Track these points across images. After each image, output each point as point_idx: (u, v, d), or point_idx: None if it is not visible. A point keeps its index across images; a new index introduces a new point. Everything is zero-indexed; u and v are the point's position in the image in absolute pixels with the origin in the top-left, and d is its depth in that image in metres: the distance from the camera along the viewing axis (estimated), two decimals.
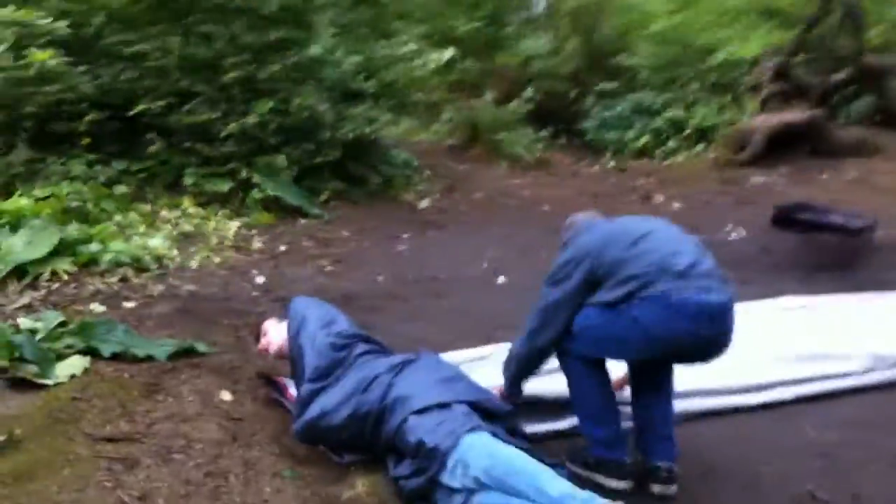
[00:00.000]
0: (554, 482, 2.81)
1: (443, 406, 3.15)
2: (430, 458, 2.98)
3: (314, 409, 3.40)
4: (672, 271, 3.06)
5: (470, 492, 2.90)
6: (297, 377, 3.65)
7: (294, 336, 3.72)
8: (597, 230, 3.40)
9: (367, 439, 3.29)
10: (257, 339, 4.02)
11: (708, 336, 3.11)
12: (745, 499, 3.18)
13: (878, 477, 3.35)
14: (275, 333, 3.90)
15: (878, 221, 6.86)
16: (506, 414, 3.33)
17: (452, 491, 2.95)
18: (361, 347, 3.67)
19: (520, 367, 3.43)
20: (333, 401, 3.37)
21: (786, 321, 4.83)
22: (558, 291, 3.27)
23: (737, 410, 3.90)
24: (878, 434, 3.70)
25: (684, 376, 3.92)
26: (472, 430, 3.02)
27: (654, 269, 3.07)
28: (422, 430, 3.07)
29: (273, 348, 3.88)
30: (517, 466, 2.88)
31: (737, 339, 4.40)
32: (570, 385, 3.36)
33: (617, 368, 3.44)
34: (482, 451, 2.94)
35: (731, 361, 4.08)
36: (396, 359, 3.55)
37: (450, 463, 2.94)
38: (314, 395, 3.47)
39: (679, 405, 3.71)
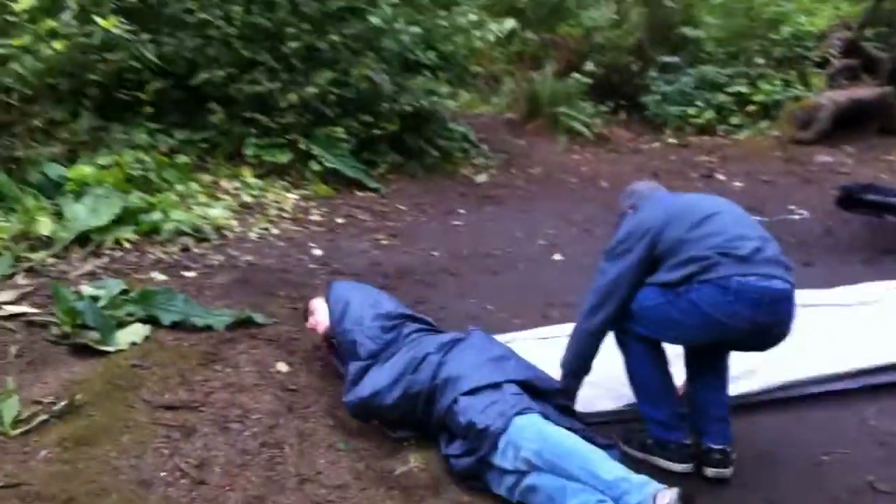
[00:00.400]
0: (607, 464, 2.80)
1: (493, 386, 3.15)
2: (481, 440, 2.99)
3: (366, 388, 3.41)
4: (735, 255, 3.00)
5: (521, 474, 2.90)
6: (344, 361, 3.67)
7: (338, 321, 3.73)
8: (660, 205, 3.34)
9: (419, 418, 3.31)
10: (306, 317, 4.03)
11: (766, 324, 3.04)
12: (802, 487, 3.14)
13: None
14: (323, 313, 3.92)
15: None
16: (556, 392, 3.31)
17: (504, 472, 2.95)
18: (410, 327, 3.68)
19: (577, 348, 3.39)
20: (385, 380, 3.38)
21: (852, 309, 4.71)
22: (617, 267, 3.23)
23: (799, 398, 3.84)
24: None
25: (746, 363, 3.91)
26: (523, 411, 3.02)
27: (716, 253, 3.01)
28: (472, 411, 3.07)
29: (321, 328, 3.89)
30: (568, 448, 2.87)
31: (809, 327, 4.38)
32: (627, 365, 3.33)
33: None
34: (533, 432, 2.93)
35: (796, 350, 4.06)
36: (445, 337, 3.55)
37: (501, 444, 2.95)
38: (364, 371, 3.48)
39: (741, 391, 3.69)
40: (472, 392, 3.14)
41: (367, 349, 3.55)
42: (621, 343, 3.32)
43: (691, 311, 3.02)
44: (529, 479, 2.89)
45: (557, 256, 5.95)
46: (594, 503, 2.71)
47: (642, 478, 2.72)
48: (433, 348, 3.43)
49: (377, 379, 3.41)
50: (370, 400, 3.37)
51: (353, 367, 3.52)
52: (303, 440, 3.25)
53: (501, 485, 2.98)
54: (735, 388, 3.71)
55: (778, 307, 3.04)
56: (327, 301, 3.91)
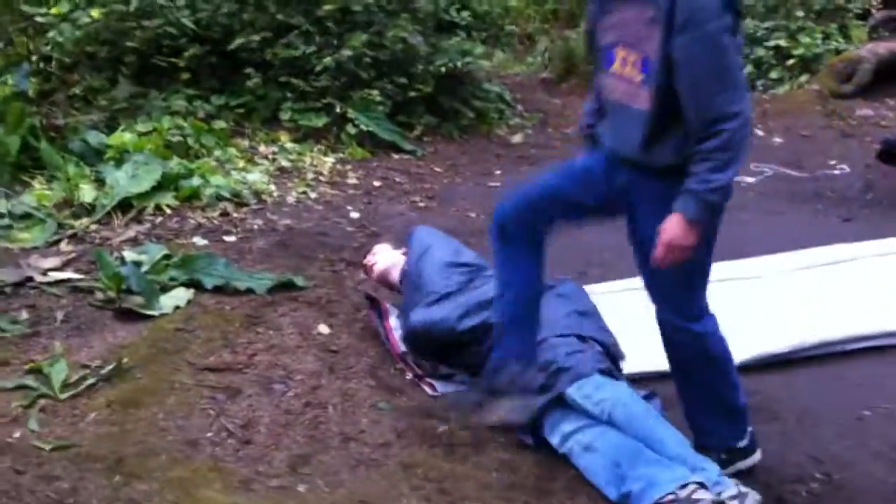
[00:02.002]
0: (673, 440, 2.81)
1: (580, 338, 3.16)
2: (558, 377, 2.99)
3: (435, 313, 3.44)
4: None
5: (587, 425, 2.90)
6: (409, 303, 3.67)
7: (416, 261, 3.74)
8: None
9: (482, 354, 3.28)
10: (362, 265, 4.08)
11: None
12: (845, 442, 3.14)
13: None
14: (384, 256, 3.97)
15: None
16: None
17: (567, 416, 2.95)
18: (488, 274, 3.69)
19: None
20: (459, 310, 3.41)
21: (892, 264, 4.66)
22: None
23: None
24: None
25: (788, 322, 3.89)
26: (604, 372, 3.03)
27: None
28: (556, 352, 3.08)
29: (379, 268, 3.95)
30: (642, 414, 2.89)
31: (842, 283, 4.34)
32: None
33: None
34: (611, 391, 2.94)
35: (842, 309, 4.03)
36: None
37: (579, 384, 2.95)
38: (435, 301, 3.51)
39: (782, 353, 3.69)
40: (563, 336, 3.15)
41: (437, 290, 3.56)
42: None
43: None
44: (591, 435, 2.87)
45: None
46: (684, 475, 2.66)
47: (706, 462, 2.75)
48: None
49: (450, 308, 3.45)
50: (436, 324, 3.41)
51: (426, 294, 3.55)
52: (345, 400, 3.29)
53: (557, 430, 2.97)
54: (772, 345, 3.72)
55: None
56: (407, 243, 3.93)
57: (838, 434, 3.20)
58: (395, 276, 3.93)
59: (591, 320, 3.34)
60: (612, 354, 3.22)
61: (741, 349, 3.66)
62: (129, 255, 4.26)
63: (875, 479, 2.93)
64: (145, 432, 2.93)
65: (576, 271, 4.58)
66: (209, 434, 2.98)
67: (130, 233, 4.72)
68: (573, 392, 2.95)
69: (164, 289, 3.94)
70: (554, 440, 2.98)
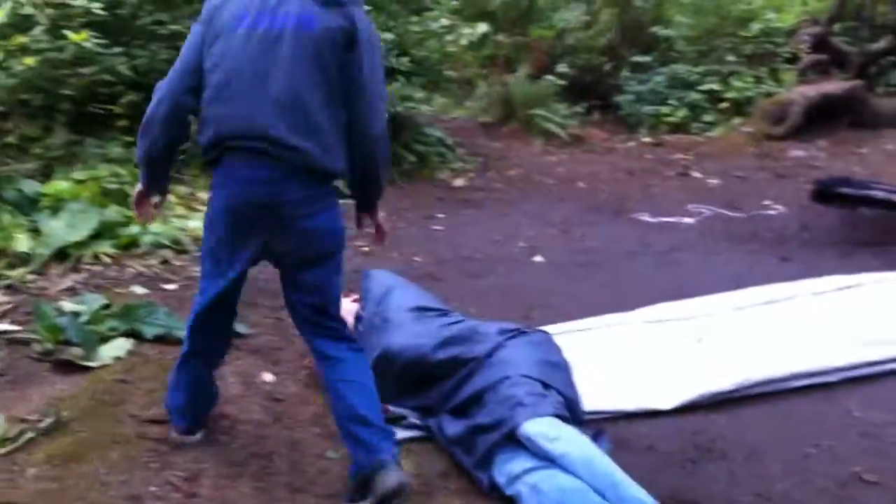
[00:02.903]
0: (630, 483, 2.80)
1: (545, 385, 3.15)
2: (516, 410, 2.98)
3: (406, 338, 3.42)
4: None
5: (536, 467, 2.88)
6: (368, 347, 3.54)
7: (378, 303, 3.69)
8: None
9: (446, 388, 3.29)
10: None
11: None
12: (790, 481, 3.16)
13: None
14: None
15: None
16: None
17: (517, 454, 2.94)
18: (453, 317, 3.68)
19: None
20: (432, 341, 3.40)
21: (834, 302, 4.75)
22: None
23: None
24: None
25: (732, 359, 3.94)
26: (561, 417, 3.02)
27: None
28: (518, 390, 3.08)
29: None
30: (599, 456, 2.89)
31: (783, 321, 4.43)
32: None
33: None
34: (567, 431, 2.93)
35: (782, 346, 4.10)
36: (509, 325, 3.57)
37: (536, 423, 2.94)
38: (411, 332, 3.50)
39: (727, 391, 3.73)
40: (529, 378, 3.15)
41: (412, 323, 3.56)
42: None
43: None
44: (539, 477, 2.85)
45: (538, 258, 5.97)
46: None
47: None
48: (495, 330, 3.46)
49: (422, 335, 3.44)
50: (409, 351, 3.38)
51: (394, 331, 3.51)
52: (292, 450, 3.24)
53: (505, 470, 2.95)
54: (715, 384, 3.76)
55: None
56: (360, 288, 3.86)
57: (784, 471, 3.23)
58: (350, 323, 3.85)
59: (559, 373, 3.33)
60: (573, 410, 3.21)
61: (685, 388, 3.71)
62: (67, 305, 4.16)
63: None
64: (87, 487, 2.84)
65: (519, 314, 4.59)
66: (153, 488, 2.89)
67: (68, 282, 4.62)
68: (529, 427, 2.94)
69: (104, 339, 3.85)
70: (501, 480, 2.96)
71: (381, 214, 3.28)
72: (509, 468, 2.94)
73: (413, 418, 3.41)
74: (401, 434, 3.36)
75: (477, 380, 3.25)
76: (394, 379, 3.42)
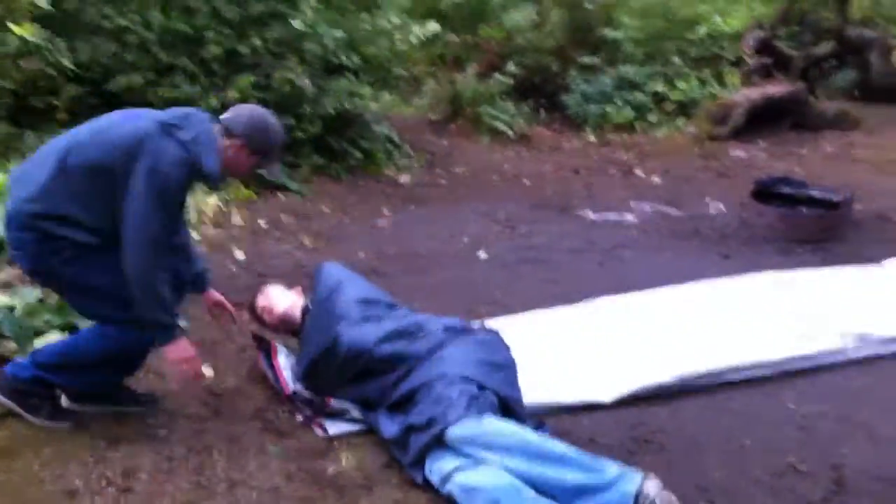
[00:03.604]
0: (570, 448, 2.87)
1: (482, 387, 3.13)
2: (446, 412, 2.98)
3: (352, 331, 3.40)
4: None
5: (466, 465, 2.88)
6: (313, 340, 3.55)
7: (328, 296, 3.65)
8: None
9: (386, 383, 3.29)
10: (251, 307, 3.93)
11: None
12: (727, 472, 3.21)
13: (857, 449, 3.38)
14: (282, 297, 3.83)
15: (857, 195, 6.91)
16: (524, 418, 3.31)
17: (448, 454, 2.93)
18: (401, 310, 3.67)
19: None
20: (373, 336, 3.37)
21: (772, 297, 4.84)
22: None
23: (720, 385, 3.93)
24: (855, 406, 3.73)
25: (671, 353, 3.99)
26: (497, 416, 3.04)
27: None
28: (453, 390, 3.06)
29: (280, 310, 3.77)
30: (535, 436, 2.93)
31: (722, 315, 4.50)
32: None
33: None
34: (498, 424, 2.95)
35: (721, 340, 4.17)
36: (455, 322, 3.55)
37: (466, 423, 2.94)
38: (357, 324, 3.47)
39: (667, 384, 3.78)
40: (467, 380, 3.13)
41: (359, 317, 3.52)
42: None
43: None
44: (471, 475, 2.85)
45: (482, 254, 5.98)
46: None
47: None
48: (439, 327, 3.44)
49: (367, 327, 3.42)
50: (355, 343, 3.35)
51: (339, 321, 3.48)
52: (231, 444, 3.21)
53: (437, 469, 2.94)
54: (655, 377, 3.80)
55: None
56: (313, 280, 3.82)
57: (721, 463, 3.28)
58: (296, 315, 3.80)
59: (501, 373, 3.30)
60: (512, 409, 3.20)
61: (626, 381, 3.74)
62: (2, 299, 4.07)
63: None
64: (21, 483, 2.81)
65: (464, 308, 4.59)
66: (88, 483, 2.86)
67: (2, 276, 4.52)
68: (455, 430, 2.94)
69: (38, 333, 3.78)
70: (434, 479, 2.96)
71: None
72: (439, 466, 2.94)
73: (354, 412, 3.40)
74: (343, 427, 3.36)
75: (414, 377, 3.24)
76: (337, 370, 3.40)
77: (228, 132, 3.13)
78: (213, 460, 3.10)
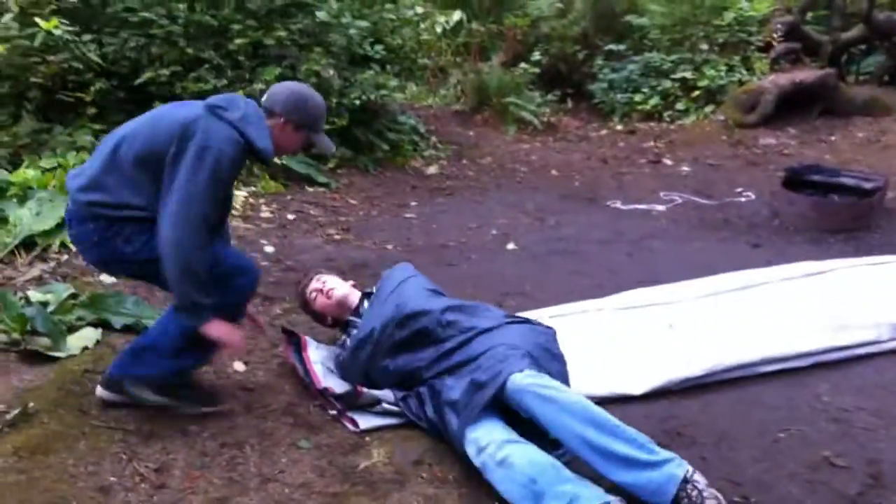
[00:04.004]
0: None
1: (539, 367, 3.15)
2: (514, 361, 3.05)
3: (415, 302, 3.51)
4: None
5: (506, 438, 2.90)
6: (369, 317, 3.62)
7: (394, 286, 3.70)
8: None
9: (438, 352, 3.35)
10: (301, 291, 3.98)
11: None
12: (761, 466, 3.17)
13: (893, 442, 3.33)
14: (340, 282, 3.96)
15: (889, 182, 6.82)
16: None
17: (486, 425, 2.96)
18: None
19: None
20: (439, 305, 3.50)
21: (805, 288, 4.77)
22: None
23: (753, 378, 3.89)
24: (891, 399, 3.68)
25: (703, 350, 3.95)
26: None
27: None
28: (520, 353, 3.13)
29: (340, 293, 3.87)
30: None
31: (752, 307, 4.45)
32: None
33: None
34: (564, 390, 2.98)
35: (753, 332, 4.12)
36: (518, 315, 3.65)
37: (530, 372, 2.99)
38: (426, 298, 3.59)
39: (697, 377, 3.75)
40: (526, 352, 3.18)
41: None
42: None
43: None
44: (508, 450, 2.85)
45: (511, 245, 5.96)
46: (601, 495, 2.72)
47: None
48: (502, 314, 3.58)
49: (435, 302, 3.55)
50: (420, 309, 3.46)
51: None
52: (263, 439, 3.22)
53: (474, 441, 2.94)
54: (686, 370, 3.77)
55: None
56: (384, 274, 3.91)
57: (755, 457, 3.24)
58: (355, 300, 3.89)
59: (556, 364, 3.32)
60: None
61: (656, 374, 3.72)
62: (34, 294, 4.12)
63: (792, 500, 2.97)
64: (55, 480, 2.82)
65: (494, 300, 4.58)
66: (122, 479, 2.87)
67: (35, 272, 4.57)
68: (522, 376, 2.96)
69: (72, 329, 3.82)
70: (470, 450, 2.96)
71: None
72: (477, 440, 2.94)
73: (388, 400, 3.40)
74: (374, 421, 3.36)
75: (476, 344, 3.29)
76: (393, 338, 3.46)
77: (269, 112, 3.18)
78: (245, 455, 3.11)
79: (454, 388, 3.16)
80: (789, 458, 3.22)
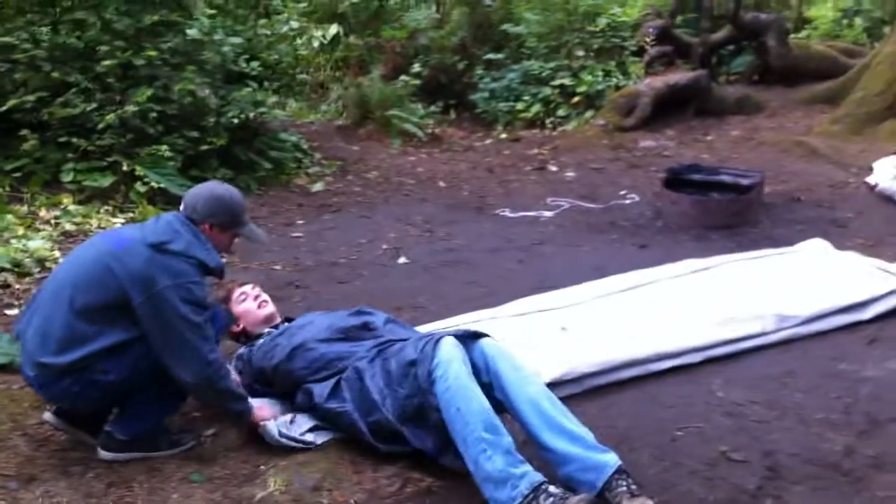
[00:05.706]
0: None
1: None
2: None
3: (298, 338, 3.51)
4: None
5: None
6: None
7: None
8: None
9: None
10: (229, 291, 3.93)
11: None
12: (661, 465, 3.19)
13: (787, 433, 3.40)
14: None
15: (765, 177, 7.03)
16: None
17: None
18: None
19: None
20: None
21: (692, 285, 4.86)
22: None
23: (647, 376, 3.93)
24: (783, 391, 3.76)
25: (596, 347, 3.96)
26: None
27: None
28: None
29: (271, 308, 3.89)
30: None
31: (642, 305, 4.51)
32: None
33: None
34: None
35: (644, 329, 4.16)
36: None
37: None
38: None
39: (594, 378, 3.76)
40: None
41: None
42: None
43: None
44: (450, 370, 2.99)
45: (402, 259, 5.90)
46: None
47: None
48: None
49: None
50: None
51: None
52: (152, 475, 3.08)
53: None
54: (579, 366, 3.78)
55: None
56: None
57: (655, 456, 3.26)
58: (277, 320, 3.87)
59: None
60: None
61: (548, 370, 3.71)
62: None
63: (695, 497, 2.98)
64: None
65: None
66: None
67: None
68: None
69: None
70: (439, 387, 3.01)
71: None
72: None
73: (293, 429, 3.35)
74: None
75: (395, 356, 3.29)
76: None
77: (192, 221, 3.20)
78: (133, 494, 2.97)
79: (404, 349, 3.20)
80: (688, 456, 3.24)
